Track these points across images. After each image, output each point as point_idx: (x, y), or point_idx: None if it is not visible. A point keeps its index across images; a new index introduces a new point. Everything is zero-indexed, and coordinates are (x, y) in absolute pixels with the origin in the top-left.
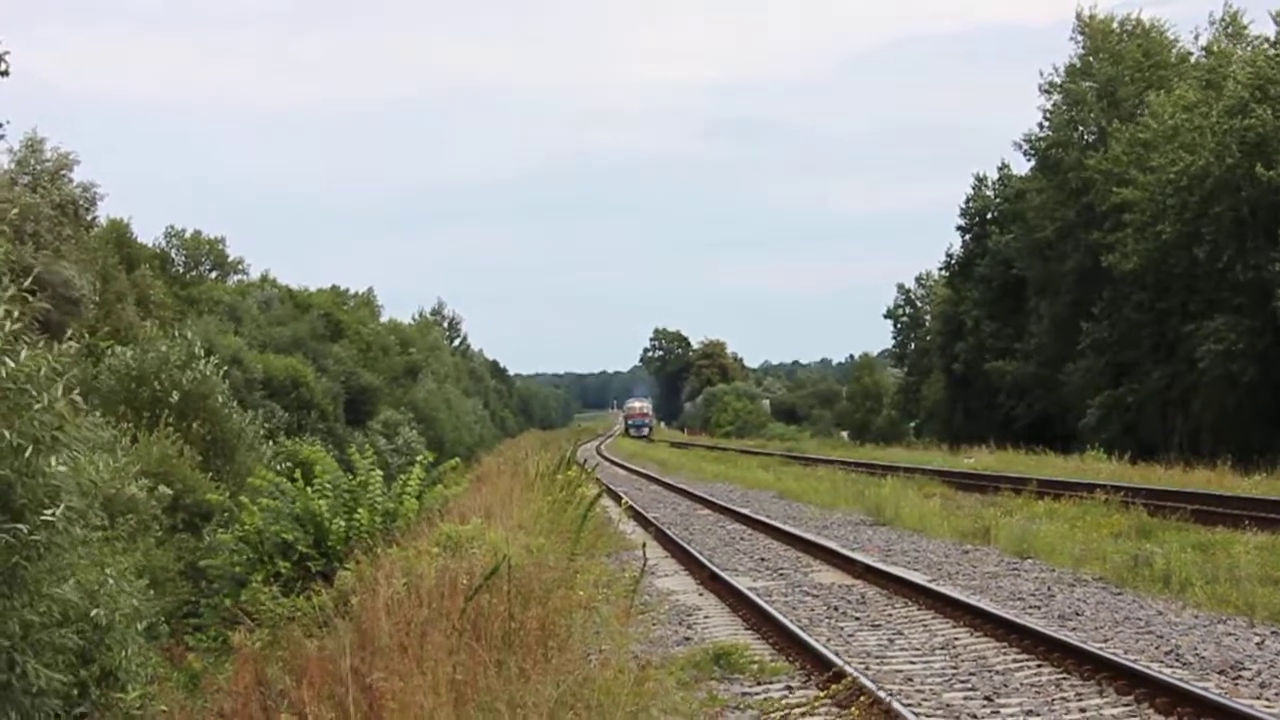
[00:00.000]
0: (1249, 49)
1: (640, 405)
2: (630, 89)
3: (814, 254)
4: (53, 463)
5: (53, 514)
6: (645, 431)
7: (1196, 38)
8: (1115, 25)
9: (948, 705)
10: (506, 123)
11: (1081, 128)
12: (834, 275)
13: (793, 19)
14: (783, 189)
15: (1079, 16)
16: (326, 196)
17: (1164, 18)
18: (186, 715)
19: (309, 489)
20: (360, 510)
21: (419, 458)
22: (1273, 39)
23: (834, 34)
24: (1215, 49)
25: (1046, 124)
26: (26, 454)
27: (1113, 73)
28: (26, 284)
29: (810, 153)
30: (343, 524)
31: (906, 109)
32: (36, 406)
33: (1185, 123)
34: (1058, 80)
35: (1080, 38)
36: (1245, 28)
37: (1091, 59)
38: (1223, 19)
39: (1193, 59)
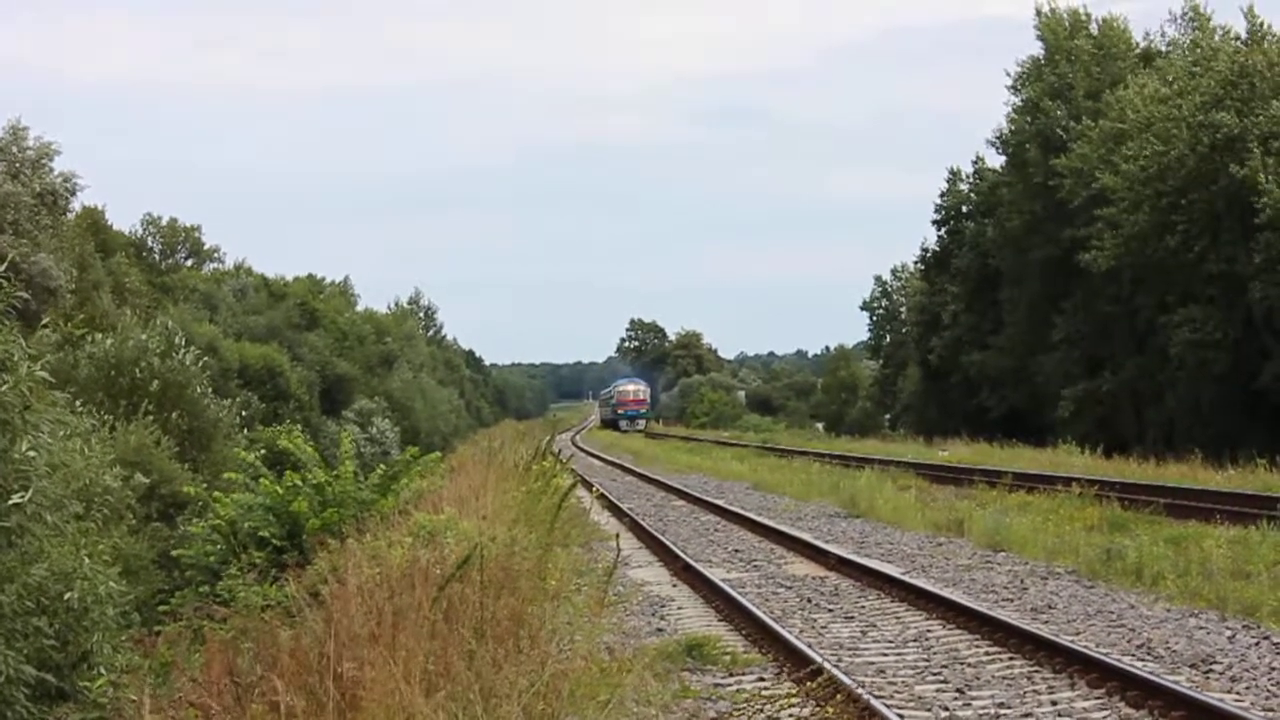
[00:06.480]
0: (1216, 38)
1: (635, 389)
2: (606, 76)
3: (791, 245)
4: (22, 446)
5: (22, 498)
6: (640, 424)
7: (1166, 31)
8: (1066, 24)
9: (920, 697)
10: (484, 112)
11: (1040, 125)
12: (811, 266)
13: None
14: (762, 178)
15: (1038, 13)
16: (303, 184)
17: (1124, 13)
18: (156, 705)
19: (287, 484)
20: (331, 508)
21: (404, 452)
22: (1245, 34)
23: (826, 21)
24: (1192, 43)
25: (1013, 122)
26: None
27: (1069, 72)
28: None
29: (791, 142)
30: (318, 521)
31: (895, 98)
32: (4, 387)
33: (1161, 113)
34: (1023, 77)
35: (1050, 35)
36: (1209, 18)
37: (1055, 57)
38: (1185, 14)
39: (1164, 52)
